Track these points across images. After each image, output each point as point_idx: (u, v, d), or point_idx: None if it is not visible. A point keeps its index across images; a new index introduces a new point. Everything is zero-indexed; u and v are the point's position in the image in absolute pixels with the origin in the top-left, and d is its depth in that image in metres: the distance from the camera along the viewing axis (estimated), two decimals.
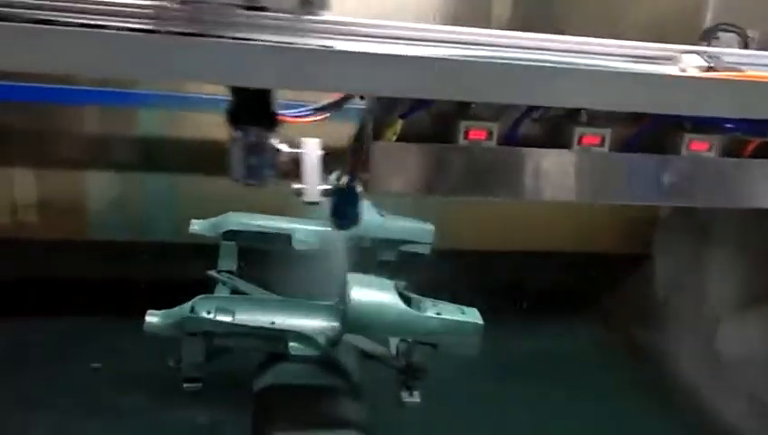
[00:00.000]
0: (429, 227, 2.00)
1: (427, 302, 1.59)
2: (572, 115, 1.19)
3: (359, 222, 1.30)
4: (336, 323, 1.56)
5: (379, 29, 1.10)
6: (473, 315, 1.58)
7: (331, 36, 1.06)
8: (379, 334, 1.65)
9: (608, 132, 1.20)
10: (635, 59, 1.20)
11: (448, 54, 1.04)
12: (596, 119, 1.19)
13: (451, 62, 1.02)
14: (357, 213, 1.30)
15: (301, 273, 1.91)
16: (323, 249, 1.91)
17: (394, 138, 1.15)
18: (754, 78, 1.11)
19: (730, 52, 1.24)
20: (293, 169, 1.25)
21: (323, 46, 1.00)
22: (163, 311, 1.55)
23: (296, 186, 1.26)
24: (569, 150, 1.19)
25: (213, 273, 1.89)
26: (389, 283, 1.58)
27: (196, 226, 1.88)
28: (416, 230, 1.98)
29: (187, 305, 1.53)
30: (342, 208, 1.29)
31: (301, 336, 1.53)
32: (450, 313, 1.58)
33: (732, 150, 1.24)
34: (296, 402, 1.62)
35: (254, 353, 1.66)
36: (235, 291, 1.86)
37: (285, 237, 1.89)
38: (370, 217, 1.94)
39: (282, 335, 1.53)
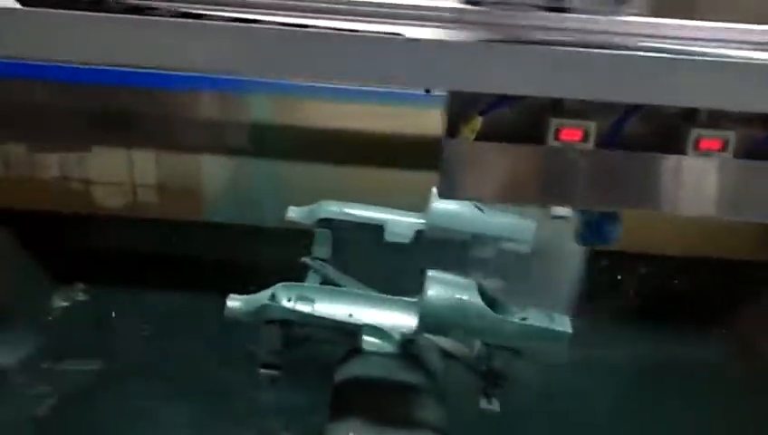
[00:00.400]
0: (531, 223, 1.88)
1: (514, 306, 1.51)
2: (688, 114, 1.02)
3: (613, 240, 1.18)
4: (413, 321, 1.51)
5: None
6: (562, 323, 1.48)
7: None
8: (455, 336, 1.59)
9: (732, 135, 1.01)
10: None
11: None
12: (718, 119, 1.01)
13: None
14: (613, 230, 1.18)
15: (392, 265, 1.88)
16: (416, 243, 1.86)
17: (472, 136, 1.05)
18: None
19: None
20: None
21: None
22: (244, 296, 1.57)
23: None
24: (683, 156, 1.02)
25: (307, 260, 1.91)
26: (472, 283, 1.51)
27: (293, 212, 1.91)
28: (516, 227, 1.88)
29: (268, 292, 1.54)
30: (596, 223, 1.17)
31: (376, 331, 1.50)
32: (537, 319, 1.48)
33: None
34: (374, 398, 1.60)
35: (340, 344, 1.64)
36: (325, 279, 1.86)
37: (378, 228, 1.87)
38: (467, 210, 1.87)
39: (357, 329, 1.51)
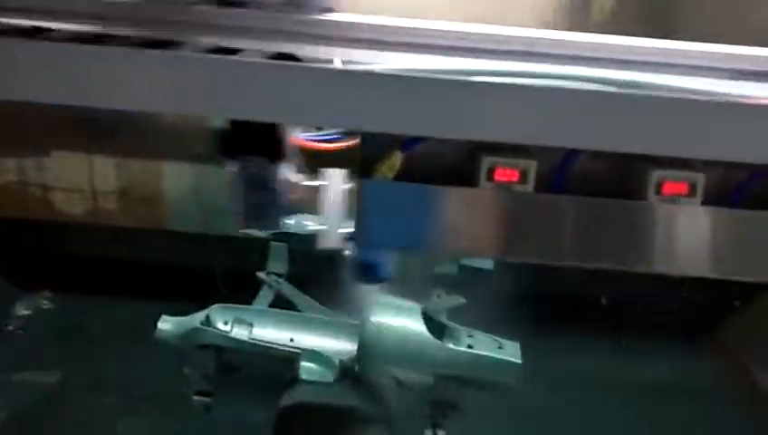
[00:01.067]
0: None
1: (463, 332, 1.43)
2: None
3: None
4: (353, 348, 1.43)
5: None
6: (511, 352, 1.39)
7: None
8: (398, 365, 1.50)
9: (700, 178, 0.91)
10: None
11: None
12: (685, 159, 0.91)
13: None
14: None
15: (348, 281, 1.81)
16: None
17: (391, 175, 0.95)
18: None
19: None
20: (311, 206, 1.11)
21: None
22: (176, 318, 1.50)
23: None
24: (643, 201, 0.92)
25: (261, 275, 1.84)
26: (416, 307, 1.43)
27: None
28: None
29: (202, 314, 1.47)
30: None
31: (315, 357, 1.42)
32: (484, 345, 1.40)
33: None
34: (317, 426, 1.54)
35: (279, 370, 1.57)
36: (279, 296, 1.79)
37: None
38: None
39: (295, 355, 1.44)
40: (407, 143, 0.94)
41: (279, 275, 1.82)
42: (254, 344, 1.45)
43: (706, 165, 0.87)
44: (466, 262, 1.77)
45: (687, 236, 0.86)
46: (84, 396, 2.06)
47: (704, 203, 0.86)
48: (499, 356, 1.38)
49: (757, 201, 0.86)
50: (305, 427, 1.51)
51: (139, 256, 2.29)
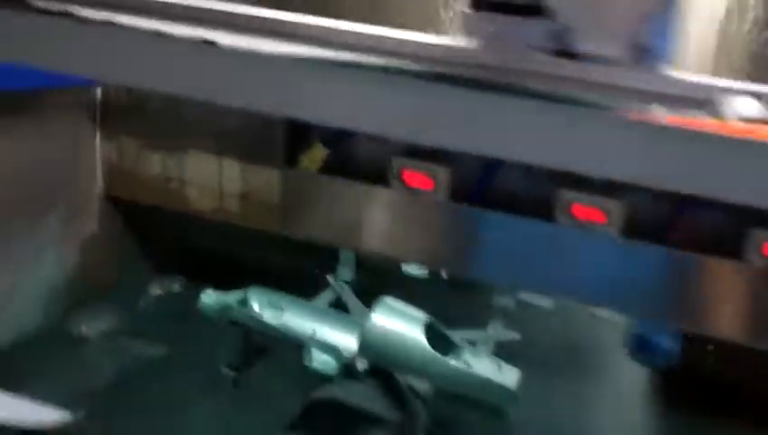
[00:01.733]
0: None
1: (468, 350, 1.36)
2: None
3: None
4: (354, 345, 1.44)
5: None
6: (508, 377, 1.30)
7: None
8: (394, 368, 1.46)
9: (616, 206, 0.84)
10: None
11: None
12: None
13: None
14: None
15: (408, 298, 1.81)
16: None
17: (314, 167, 0.98)
18: None
19: None
20: None
21: None
22: (218, 293, 1.61)
23: None
24: (556, 223, 0.86)
25: (329, 277, 1.92)
26: (421, 316, 1.40)
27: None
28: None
29: (240, 293, 1.58)
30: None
31: (325, 348, 1.45)
32: (483, 366, 1.32)
33: None
34: (337, 422, 1.56)
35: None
36: (338, 300, 1.85)
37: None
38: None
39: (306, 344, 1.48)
40: (330, 137, 0.94)
41: (346, 282, 1.88)
42: (276, 329, 1.52)
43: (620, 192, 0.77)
44: (524, 297, 1.68)
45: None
46: (174, 370, 2.28)
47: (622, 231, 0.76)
48: (493, 378, 1.30)
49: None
50: (324, 422, 1.54)
51: (254, 253, 2.48)
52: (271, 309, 1.54)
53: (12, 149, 2.23)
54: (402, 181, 0.85)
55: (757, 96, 0.79)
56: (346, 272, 1.92)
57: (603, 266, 0.79)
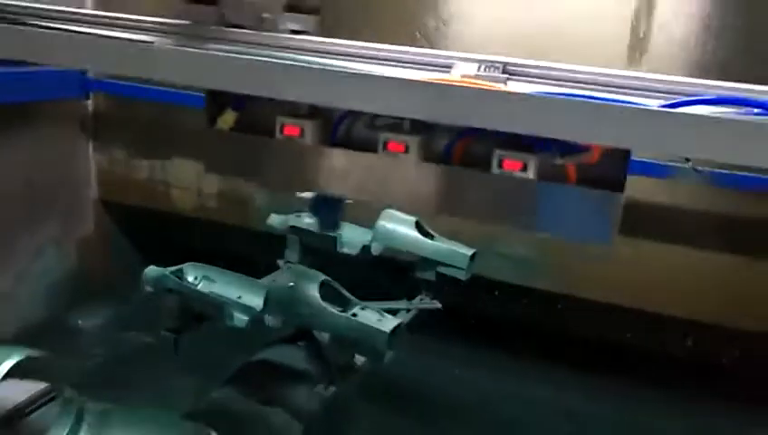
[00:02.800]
0: (468, 252, 1.86)
1: (358, 304, 1.56)
2: (375, 120, 1.16)
3: None
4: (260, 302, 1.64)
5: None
6: (385, 323, 1.49)
7: None
8: (290, 321, 1.67)
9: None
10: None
11: None
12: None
13: None
14: None
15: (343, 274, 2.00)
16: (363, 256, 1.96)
17: (226, 126, 1.26)
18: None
19: None
20: None
21: None
22: (158, 268, 1.83)
23: None
24: (376, 154, 1.13)
25: (280, 262, 2.11)
26: (318, 275, 1.62)
27: (272, 220, 2.12)
28: (452, 254, 1.87)
29: (179, 266, 1.79)
30: None
31: (237, 307, 1.65)
32: (366, 316, 1.51)
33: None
34: (258, 378, 1.76)
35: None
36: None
37: (332, 239, 2.00)
38: (415, 235, 1.92)
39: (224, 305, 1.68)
40: (237, 102, 1.23)
41: (292, 263, 2.07)
42: (206, 295, 1.72)
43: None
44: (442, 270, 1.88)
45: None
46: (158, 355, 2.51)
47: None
48: (371, 324, 1.49)
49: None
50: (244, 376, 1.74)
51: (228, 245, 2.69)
52: (204, 280, 1.75)
53: (13, 157, 2.52)
54: (282, 132, 1.17)
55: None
56: (292, 254, 2.11)
57: (407, 183, 1.07)
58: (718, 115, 0.90)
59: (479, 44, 2.19)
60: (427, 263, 1.90)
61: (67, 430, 1.21)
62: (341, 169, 1.18)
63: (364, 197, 1.17)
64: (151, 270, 1.82)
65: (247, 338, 1.91)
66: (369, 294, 1.98)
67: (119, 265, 2.84)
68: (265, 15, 1.27)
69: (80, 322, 2.77)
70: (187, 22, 1.31)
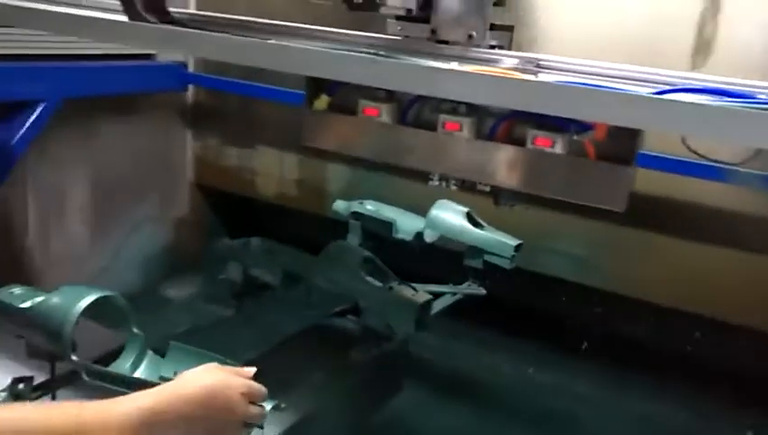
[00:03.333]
0: (512, 242, 1.96)
1: (395, 279, 1.78)
2: (440, 104, 1.40)
3: None
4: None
5: None
6: (419, 297, 1.66)
7: None
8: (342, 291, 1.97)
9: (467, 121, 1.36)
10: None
11: None
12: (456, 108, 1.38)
13: None
14: None
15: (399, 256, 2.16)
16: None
17: (322, 108, 1.50)
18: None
19: None
20: None
21: None
22: (228, 241, 2.07)
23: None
24: (433, 132, 1.39)
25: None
26: (363, 252, 1.89)
27: (336, 206, 2.31)
28: (497, 243, 1.98)
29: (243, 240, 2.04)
30: None
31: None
32: (401, 289, 1.69)
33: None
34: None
35: None
36: None
37: (389, 225, 2.16)
38: (465, 224, 2.04)
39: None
40: (330, 88, 1.50)
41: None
42: (264, 263, 1.94)
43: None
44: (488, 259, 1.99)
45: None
46: (235, 328, 2.75)
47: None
48: (404, 295, 1.65)
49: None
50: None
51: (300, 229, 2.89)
52: (266, 253, 1.98)
53: (120, 142, 2.84)
54: (363, 113, 1.42)
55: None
56: (354, 238, 2.29)
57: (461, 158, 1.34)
58: (694, 101, 1.00)
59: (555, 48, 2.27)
60: (475, 251, 2.02)
61: (133, 358, 1.43)
62: (408, 143, 1.42)
63: (425, 167, 1.41)
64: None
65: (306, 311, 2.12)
66: (425, 279, 2.15)
67: (209, 244, 3.09)
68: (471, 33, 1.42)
69: (170, 292, 3.06)
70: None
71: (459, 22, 1.37)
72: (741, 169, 1.97)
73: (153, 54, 2.78)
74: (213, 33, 1.36)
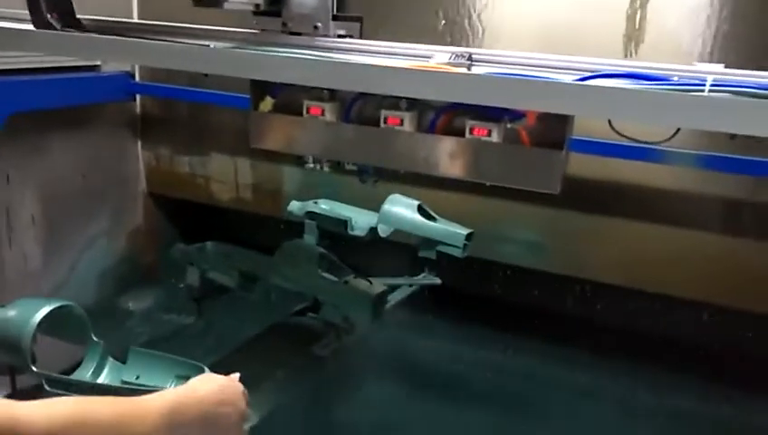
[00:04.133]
0: (463, 232, 2.04)
1: (349, 273, 1.84)
2: (382, 101, 1.47)
3: None
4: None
5: None
6: (374, 289, 1.71)
7: None
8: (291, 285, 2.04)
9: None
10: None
11: None
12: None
13: None
14: None
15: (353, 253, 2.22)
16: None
17: (267, 109, 1.54)
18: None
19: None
20: None
21: None
22: (183, 246, 2.12)
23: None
24: (376, 128, 1.46)
25: None
26: (318, 250, 1.91)
27: (292, 206, 2.36)
28: (449, 234, 2.05)
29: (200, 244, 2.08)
30: None
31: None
32: (357, 283, 1.76)
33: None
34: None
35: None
36: None
37: (344, 223, 2.22)
38: (417, 217, 2.11)
39: None
40: (274, 90, 1.56)
41: None
42: (221, 266, 1.99)
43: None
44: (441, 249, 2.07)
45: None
46: (194, 333, 2.79)
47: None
48: (358, 288, 1.72)
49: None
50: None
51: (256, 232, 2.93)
52: (222, 256, 2.03)
53: (71, 157, 2.84)
54: (308, 112, 1.49)
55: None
56: (310, 237, 2.34)
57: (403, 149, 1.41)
58: (613, 85, 1.08)
59: (496, 39, 2.37)
60: (428, 242, 2.09)
61: (94, 366, 1.46)
62: (352, 140, 1.49)
63: (369, 161, 1.50)
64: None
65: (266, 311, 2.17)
66: (381, 274, 2.22)
67: (166, 251, 3.11)
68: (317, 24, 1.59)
69: (130, 305, 3.07)
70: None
71: (306, 16, 1.55)
72: (663, 148, 2.06)
73: (98, 66, 2.79)
74: (114, 38, 1.45)
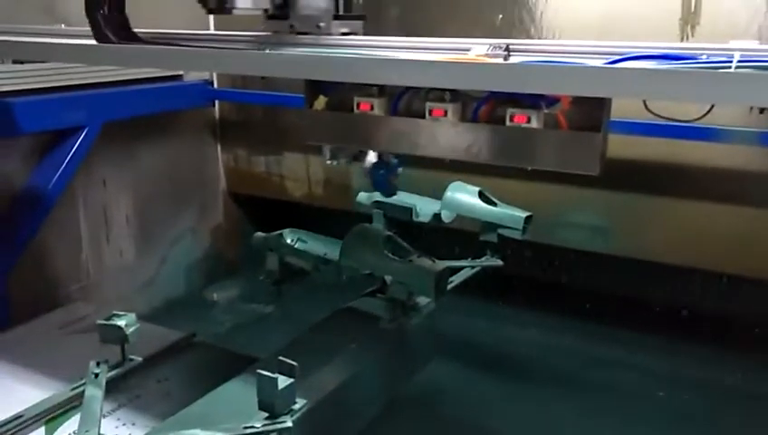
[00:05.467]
0: (521, 215, 2.15)
1: (415, 254, 1.95)
2: (426, 93, 1.56)
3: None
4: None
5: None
6: (436, 266, 1.84)
7: None
8: (360, 266, 2.15)
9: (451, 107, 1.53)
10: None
11: None
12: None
13: None
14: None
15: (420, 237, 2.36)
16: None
17: (320, 107, 1.69)
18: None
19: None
20: None
21: None
22: (263, 233, 2.30)
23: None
24: (422, 120, 1.55)
25: None
26: (382, 232, 2.10)
27: (360, 198, 2.52)
28: (508, 217, 2.17)
29: (280, 231, 2.26)
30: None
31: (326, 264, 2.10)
32: (421, 261, 1.88)
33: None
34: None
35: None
36: None
37: (409, 211, 2.37)
38: (478, 202, 2.24)
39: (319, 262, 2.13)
40: (326, 89, 1.67)
41: None
42: (298, 250, 2.16)
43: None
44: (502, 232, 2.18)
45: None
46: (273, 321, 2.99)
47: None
48: (420, 265, 1.85)
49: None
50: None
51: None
52: (300, 242, 2.20)
53: (158, 160, 3.10)
54: (358, 108, 1.58)
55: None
56: (378, 226, 2.49)
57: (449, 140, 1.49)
58: (639, 67, 1.18)
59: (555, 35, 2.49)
60: (489, 226, 2.21)
61: None
62: (400, 132, 1.59)
63: (416, 152, 1.56)
64: (257, 237, 2.30)
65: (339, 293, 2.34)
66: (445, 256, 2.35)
67: (246, 248, 3.32)
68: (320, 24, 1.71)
69: (214, 296, 3.31)
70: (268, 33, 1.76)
71: (311, 17, 1.67)
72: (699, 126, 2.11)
73: (180, 75, 3.03)
74: (168, 48, 1.63)
